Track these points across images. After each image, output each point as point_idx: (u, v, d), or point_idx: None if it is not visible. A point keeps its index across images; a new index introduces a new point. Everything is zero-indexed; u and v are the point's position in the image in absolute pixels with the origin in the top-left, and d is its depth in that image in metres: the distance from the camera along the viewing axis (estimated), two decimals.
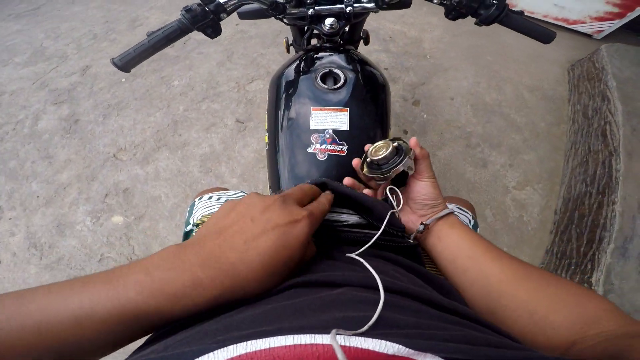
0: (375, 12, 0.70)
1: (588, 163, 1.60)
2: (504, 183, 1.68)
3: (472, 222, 0.64)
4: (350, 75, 0.69)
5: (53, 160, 1.76)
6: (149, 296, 0.25)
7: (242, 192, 0.73)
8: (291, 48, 1.03)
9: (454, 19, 0.65)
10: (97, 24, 2.65)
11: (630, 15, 2.27)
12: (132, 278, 0.26)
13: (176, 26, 0.56)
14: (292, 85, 0.70)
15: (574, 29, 2.72)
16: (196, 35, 2.10)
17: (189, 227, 0.64)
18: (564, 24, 2.71)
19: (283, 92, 0.70)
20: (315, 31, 0.74)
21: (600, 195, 1.41)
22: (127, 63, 0.56)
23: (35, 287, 0.26)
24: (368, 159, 0.51)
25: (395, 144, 0.49)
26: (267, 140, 0.72)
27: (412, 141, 0.48)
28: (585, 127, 1.76)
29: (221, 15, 0.59)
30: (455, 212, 0.50)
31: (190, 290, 0.26)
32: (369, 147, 0.51)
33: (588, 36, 2.66)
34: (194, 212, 0.65)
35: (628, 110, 1.58)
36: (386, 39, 2.37)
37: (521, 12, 0.62)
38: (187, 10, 0.56)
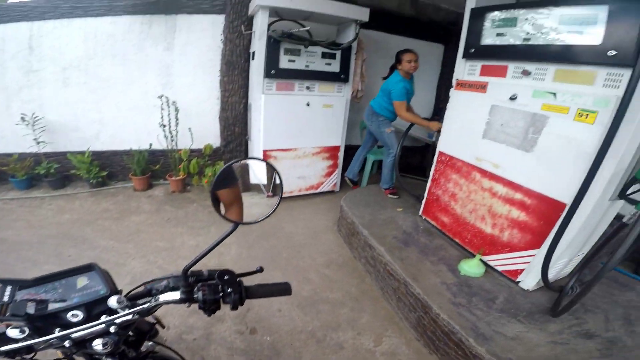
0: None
1: (400, 297, 1.94)
2: (366, 348, 1.78)
3: None
4: None
5: None
6: None
7: None
8: None
9: (210, 314, 0.68)
10: None
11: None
12: None
13: None
14: None
15: (321, 191, 3.61)
16: None
17: None
18: (313, 190, 3.56)
19: None
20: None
21: (427, 313, 1.72)
22: None
23: None
24: None
25: None
26: None
27: None
28: (376, 273, 2.21)
29: None
30: None
31: None
32: None
33: (332, 192, 3.60)
34: None
35: (386, 247, 2.11)
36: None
37: (257, 285, 0.75)
38: None
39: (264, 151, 3.13)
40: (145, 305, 0.63)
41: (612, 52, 1.38)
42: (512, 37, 1.75)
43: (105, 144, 3.50)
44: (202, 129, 3.64)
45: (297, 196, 3.46)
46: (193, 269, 0.67)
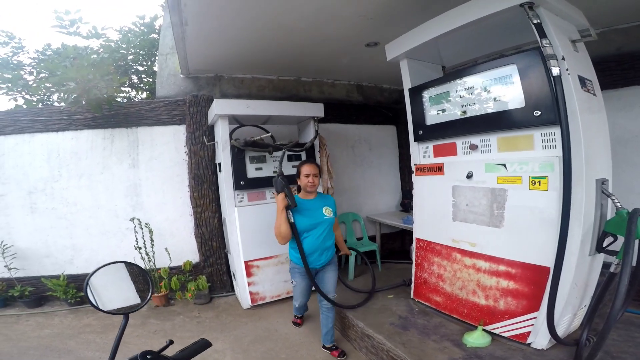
0: None
1: None
2: None
3: None
4: None
5: None
6: None
7: None
8: None
9: None
10: None
11: None
12: None
13: None
14: None
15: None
16: None
17: None
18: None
19: None
20: None
21: None
22: None
23: None
24: None
25: None
26: None
27: None
28: None
29: None
30: None
31: None
32: None
33: None
34: None
35: (385, 335, 1.93)
36: None
37: (178, 351, 0.82)
38: None
39: (245, 262, 2.96)
40: None
41: (537, 112, 1.49)
42: (452, 111, 1.88)
43: (80, 267, 3.31)
44: (179, 247, 3.48)
45: (286, 298, 3.27)
46: None
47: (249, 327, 2.83)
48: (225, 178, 2.91)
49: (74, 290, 3.16)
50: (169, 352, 0.79)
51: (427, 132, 2.08)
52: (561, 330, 1.62)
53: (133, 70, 4.93)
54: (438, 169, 2.02)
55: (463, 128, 1.85)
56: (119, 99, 3.49)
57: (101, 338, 2.67)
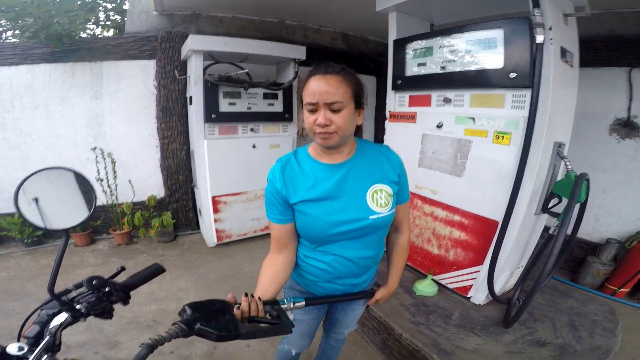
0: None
1: (364, 322, 1.85)
2: None
3: None
4: None
5: None
6: None
7: None
8: None
9: (109, 317, 0.72)
10: None
11: None
12: None
13: None
14: None
15: None
16: None
17: None
18: (268, 231, 3.37)
19: None
20: None
21: (390, 335, 1.70)
22: None
23: None
24: None
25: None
26: None
27: None
28: None
29: None
30: None
31: None
32: None
33: None
34: None
35: None
36: (150, 324, 2.09)
37: (130, 277, 0.79)
38: None
39: (213, 197, 2.96)
40: (47, 339, 0.60)
41: (513, 75, 1.52)
42: (432, 66, 1.88)
43: None
44: (144, 180, 3.40)
45: (253, 237, 3.32)
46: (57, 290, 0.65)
47: (214, 265, 2.87)
48: (196, 111, 2.78)
49: (31, 229, 3.02)
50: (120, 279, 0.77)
51: (405, 83, 2.06)
52: (498, 287, 1.78)
53: (101, 8, 4.42)
54: (411, 117, 2.04)
55: (440, 83, 1.86)
56: (83, 35, 3.16)
57: (61, 278, 2.58)
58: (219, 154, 2.92)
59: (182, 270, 2.79)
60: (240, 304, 0.76)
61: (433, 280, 2.02)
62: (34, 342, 0.61)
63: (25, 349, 0.58)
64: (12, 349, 0.57)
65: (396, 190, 0.95)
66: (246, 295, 0.78)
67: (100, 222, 3.28)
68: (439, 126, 1.87)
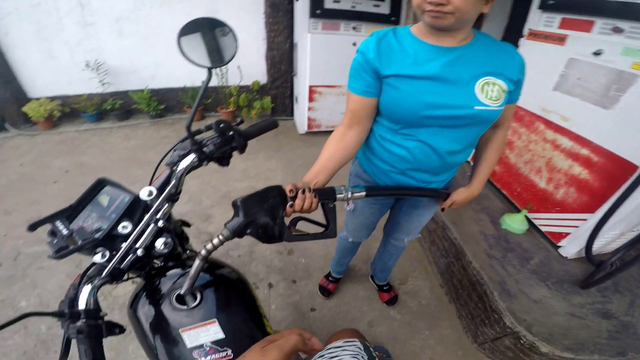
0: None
1: (435, 240, 1.94)
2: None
3: (361, 347, 0.70)
4: (206, 287, 0.69)
5: None
6: None
7: None
8: None
9: (226, 164, 0.76)
10: None
11: None
12: None
13: None
14: (151, 313, 0.67)
15: None
16: (27, 249, 2.00)
17: None
18: None
19: (145, 321, 0.66)
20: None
21: (459, 260, 1.73)
22: None
23: None
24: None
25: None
26: None
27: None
28: None
29: None
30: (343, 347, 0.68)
31: None
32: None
33: None
34: None
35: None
36: None
37: (248, 127, 0.81)
38: None
39: (310, 86, 3.21)
40: (173, 183, 0.65)
41: None
42: None
43: (161, 82, 3.82)
44: (250, 67, 3.82)
45: None
46: (197, 138, 0.70)
47: (301, 152, 3.17)
48: (302, 6, 2.88)
49: (155, 102, 3.71)
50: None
51: (560, 3, 1.60)
52: (597, 244, 1.51)
53: None
54: (558, 39, 1.63)
55: (612, 12, 1.37)
56: None
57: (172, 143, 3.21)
58: (320, 47, 3.01)
59: (274, 151, 3.16)
60: (295, 196, 0.72)
61: (526, 217, 1.83)
62: (161, 187, 0.66)
63: (154, 193, 0.64)
64: (143, 193, 0.63)
65: (511, 89, 0.82)
66: (303, 192, 0.72)
67: (211, 100, 3.88)
68: (598, 53, 1.45)
